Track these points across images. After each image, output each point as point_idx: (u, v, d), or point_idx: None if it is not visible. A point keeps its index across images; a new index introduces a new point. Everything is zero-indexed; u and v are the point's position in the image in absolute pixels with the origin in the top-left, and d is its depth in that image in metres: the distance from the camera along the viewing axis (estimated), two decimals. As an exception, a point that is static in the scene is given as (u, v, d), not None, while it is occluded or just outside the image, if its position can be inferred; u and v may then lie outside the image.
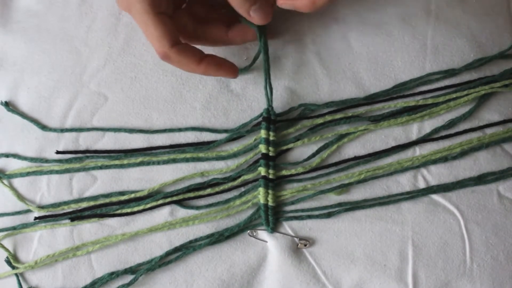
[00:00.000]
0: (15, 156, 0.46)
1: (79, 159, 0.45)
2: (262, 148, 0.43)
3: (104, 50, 0.47)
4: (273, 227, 0.43)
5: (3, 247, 0.44)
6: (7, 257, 0.44)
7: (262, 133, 0.44)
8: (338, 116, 0.44)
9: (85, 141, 0.45)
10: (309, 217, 0.43)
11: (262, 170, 0.43)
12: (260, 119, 0.44)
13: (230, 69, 0.42)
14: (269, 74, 0.43)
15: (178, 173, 0.44)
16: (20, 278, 0.44)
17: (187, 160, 0.44)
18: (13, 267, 0.43)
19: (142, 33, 0.47)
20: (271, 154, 0.43)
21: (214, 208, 0.44)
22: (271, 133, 0.44)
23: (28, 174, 0.45)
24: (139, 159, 0.44)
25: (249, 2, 0.38)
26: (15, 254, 0.44)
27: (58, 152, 0.45)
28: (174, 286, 0.43)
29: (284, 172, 0.44)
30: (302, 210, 0.43)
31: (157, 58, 0.44)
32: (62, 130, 0.46)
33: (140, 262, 0.43)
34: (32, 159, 0.45)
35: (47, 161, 0.45)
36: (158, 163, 0.44)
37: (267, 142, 0.43)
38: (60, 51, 0.47)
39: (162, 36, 0.39)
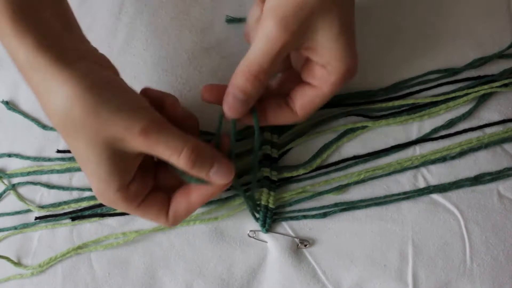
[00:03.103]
0: (18, 156, 0.46)
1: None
2: (266, 149, 0.43)
3: (104, 50, 0.47)
4: (268, 228, 0.43)
5: (4, 257, 0.43)
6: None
7: (266, 135, 0.44)
8: (337, 112, 0.45)
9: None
10: (305, 217, 0.43)
11: (265, 171, 0.43)
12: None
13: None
14: None
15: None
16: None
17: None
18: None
19: (142, 32, 0.48)
20: (273, 155, 0.43)
21: (214, 206, 0.44)
22: (275, 136, 0.44)
23: (28, 173, 0.45)
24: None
25: (206, 167, 0.35)
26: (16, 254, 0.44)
27: (58, 151, 0.45)
28: (174, 285, 0.43)
29: (286, 174, 0.44)
30: (300, 211, 0.43)
31: (157, 57, 0.44)
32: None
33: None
34: (34, 158, 0.45)
35: (49, 159, 0.45)
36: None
37: (271, 144, 0.43)
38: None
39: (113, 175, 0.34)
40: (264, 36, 0.34)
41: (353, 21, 0.36)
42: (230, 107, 0.36)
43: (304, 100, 0.37)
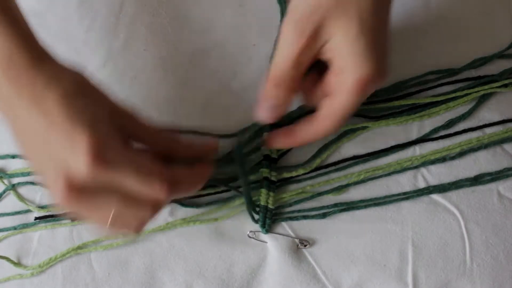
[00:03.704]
0: (21, 156, 0.46)
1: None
2: (265, 150, 0.43)
3: (104, 49, 0.47)
4: (268, 229, 0.43)
5: (4, 257, 0.43)
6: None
7: (265, 135, 0.44)
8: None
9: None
10: (305, 217, 0.43)
11: (264, 172, 0.43)
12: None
13: None
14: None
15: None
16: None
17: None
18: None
19: (142, 32, 0.48)
20: (273, 156, 0.43)
21: (214, 207, 0.44)
22: None
23: (29, 173, 0.45)
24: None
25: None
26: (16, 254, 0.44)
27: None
28: (174, 285, 0.43)
29: (285, 174, 0.44)
30: (299, 211, 0.43)
31: (157, 57, 0.44)
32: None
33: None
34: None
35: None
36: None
37: None
38: (60, 50, 0.47)
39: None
40: (283, 41, 0.34)
41: (380, 20, 0.34)
42: (263, 113, 0.38)
43: (326, 112, 0.36)
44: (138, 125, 0.34)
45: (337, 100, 0.35)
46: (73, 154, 0.30)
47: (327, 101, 0.36)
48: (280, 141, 0.40)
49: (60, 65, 0.33)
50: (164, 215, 0.44)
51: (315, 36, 0.33)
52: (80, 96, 0.32)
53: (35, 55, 0.32)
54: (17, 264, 0.44)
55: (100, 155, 0.30)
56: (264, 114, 0.38)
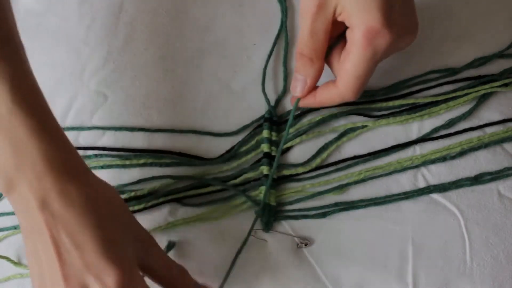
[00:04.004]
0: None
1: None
2: (265, 147, 0.43)
3: (104, 49, 0.47)
4: (270, 226, 0.43)
5: (4, 257, 0.43)
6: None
7: (265, 133, 0.44)
8: (336, 111, 0.45)
9: (85, 140, 0.45)
10: (305, 216, 0.43)
11: (264, 169, 0.43)
12: (262, 120, 0.45)
13: None
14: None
15: (179, 172, 0.44)
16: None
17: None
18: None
19: (142, 32, 0.48)
20: (273, 153, 0.43)
21: (214, 206, 0.44)
22: (273, 133, 0.44)
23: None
24: (142, 161, 0.44)
25: None
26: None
27: None
28: (174, 285, 0.43)
29: (285, 172, 0.44)
30: (300, 210, 0.43)
31: (157, 57, 0.44)
32: (63, 129, 0.45)
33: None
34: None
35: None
36: (161, 165, 0.44)
37: (270, 141, 0.44)
38: (60, 50, 0.47)
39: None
40: (300, 14, 0.37)
41: None
42: (292, 88, 0.40)
43: (340, 73, 0.37)
44: (154, 254, 0.36)
45: (349, 59, 0.36)
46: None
47: (342, 63, 0.37)
48: (303, 99, 0.41)
49: (96, 180, 0.34)
50: (164, 215, 0.44)
51: (324, 1, 0.35)
52: (111, 221, 0.32)
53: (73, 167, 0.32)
54: (17, 264, 0.44)
55: None
56: (294, 88, 0.40)
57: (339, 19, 0.36)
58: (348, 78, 0.37)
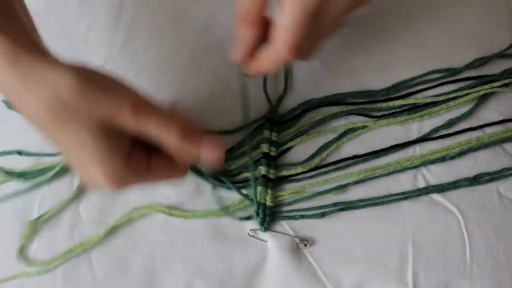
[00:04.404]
0: (29, 154, 0.46)
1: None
2: (264, 147, 0.43)
3: (104, 49, 0.47)
4: (267, 227, 0.43)
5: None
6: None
7: (265, 133, 0.44)
8: (336, 111, 0.45)
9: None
10: (303, 216, 0.43)
11: (262, 169, 0.43)
12: (263, 120, 0.45)
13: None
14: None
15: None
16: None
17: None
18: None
19: (142, 32, 0.48)
20: (272, 154, 0.43)
21: (214, 208, 0.44)
22: (274, 134, 0.44)
23: (30, 172, 0.45)
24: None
25: (197, 143, 0.35)
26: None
27: None
28: (174, 285, 0.43)
29: (284, 172, 0.44)
30: (298, 210, 0.43)
31: (157, 57, 0.44)
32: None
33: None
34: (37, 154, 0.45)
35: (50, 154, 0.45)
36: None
37: (270, 141, 0.44)
38: (60, 50, 0.47)
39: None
40: None
41: None
42: (234, 53, 0.38)
43: (276, 26, 0.34)
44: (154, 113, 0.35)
45: (282, 11, 0.33)
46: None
47: (277, 17, 0.34)
48: (248, 65, 0.39)
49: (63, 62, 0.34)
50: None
51: None
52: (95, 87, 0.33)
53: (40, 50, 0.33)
54: (21, 254, 0.44)
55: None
56: (234, 53, 0.37)
57: None
58: (281, 32, 0.34)
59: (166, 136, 0.34)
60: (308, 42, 0.34)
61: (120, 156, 0.34)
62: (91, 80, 0.33)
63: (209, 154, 0.36)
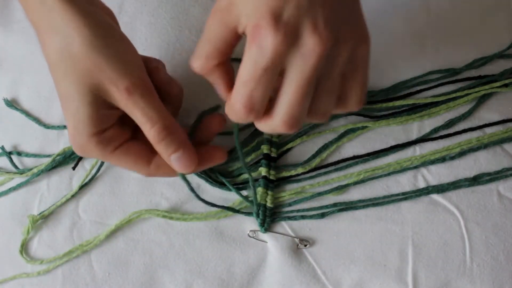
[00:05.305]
0: (29, 154, 0.46)
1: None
2: (265, 148, 0.43)
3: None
4: (267, 228, 0.43)
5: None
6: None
7: (265, 134, 0.44)
8: (337, 111, 0.45)
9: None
10: (303, 217, 0.43)
11: (263, 170, 0.43)
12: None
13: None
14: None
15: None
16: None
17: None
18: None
19: (142, 32, 0.47)
20: (273, 155, 0.43)
21: (215, 209, 0.44)
22: (274, 135, 0.44)
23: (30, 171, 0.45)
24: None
25: (171, 149, 0.35)
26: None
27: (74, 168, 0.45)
28: (174, 285, 0.43)
29: (284, 173, 0.44)
30: (298, 211, 0.43)
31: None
32: (65, 127, 0.46)
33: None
34: (35, 155, 0.45)
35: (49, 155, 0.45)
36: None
37: (270, 143, 0.44)
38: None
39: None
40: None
41: None
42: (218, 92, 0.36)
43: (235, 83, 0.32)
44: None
45: (240, 67, 0.31)
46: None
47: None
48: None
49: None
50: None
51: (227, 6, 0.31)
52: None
53: None
54: (22, 251, 0.44)
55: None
56: (220, 93, 0.35)
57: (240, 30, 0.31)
58: (236, 82, 0.31)
59: (148, 130, 0.35)
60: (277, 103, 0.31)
61: (95, 124, 0.34)
62: (102, 45, 0.33)
63: (177, 166, 0.36)
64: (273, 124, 0.32)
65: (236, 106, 0.31)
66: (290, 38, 0.29)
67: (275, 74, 0.30)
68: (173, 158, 0.36)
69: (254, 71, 0.30)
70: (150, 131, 0.35)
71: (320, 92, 0.32)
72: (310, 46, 0.29)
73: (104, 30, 0.34)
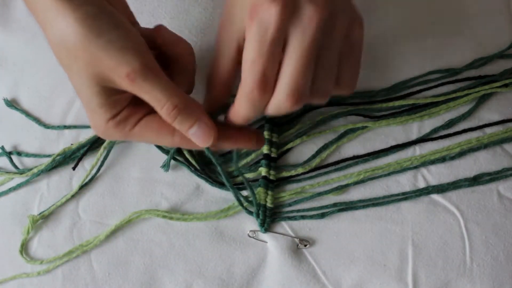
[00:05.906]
0: (28, 155, 0.46)
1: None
2: (265, 148, 0.43)
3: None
4: (267, 228, 0.43)
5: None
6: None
7: (265, 134, 0.44)
8: (336, 111, 0.45)
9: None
10: (303, 217, 0.43)
11: (263, 170, 0.43)
12: (263, 121, 0.45)
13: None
14: None
15: (179, 172, 0.44)
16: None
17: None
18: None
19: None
20: (273, 155, 0.43)
21: (215, 210, 0.44)
22: (274, 135, 0.44)
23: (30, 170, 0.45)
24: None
25: (187, 125, 0.35)
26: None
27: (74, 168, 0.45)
28: (174, 285, 0.43)
29: (285, 173, 0.44)
30: (298, 211, 0.43)
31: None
32: (65, 127, 0.46)
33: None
34: (35, 156, 0.45)
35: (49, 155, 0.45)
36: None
37: (270, 143, 0.44)
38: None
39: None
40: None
41: None
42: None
43: (242, 68, 0.33)
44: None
45: (244, 52, 0.32)
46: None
47: None
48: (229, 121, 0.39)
49: None
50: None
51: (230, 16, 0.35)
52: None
53: None
54: (22, 250, 0.44)
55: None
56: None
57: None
58: (244, 66, 0.32)
59: (159, 111, 0.35)
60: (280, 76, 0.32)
61: (109, 110, 0.35)
62: (97, 35, 0.33)
63: (196, 140, 0.36)
64: (277, 101, 0.33)
65: (248, 88, 0.32)
66: (289, 8, 0.30)
67: (280, 46, 0.31)
68: (190, 133, 0.35)
69: (260, 47, 0.31)
70: (161, 112, 0.35)
71: (320, 69, 0.33)
72: (309, 13, 0.30)
73: (97, 21, 0.33)
